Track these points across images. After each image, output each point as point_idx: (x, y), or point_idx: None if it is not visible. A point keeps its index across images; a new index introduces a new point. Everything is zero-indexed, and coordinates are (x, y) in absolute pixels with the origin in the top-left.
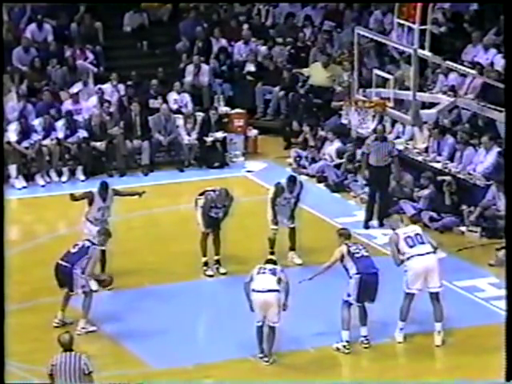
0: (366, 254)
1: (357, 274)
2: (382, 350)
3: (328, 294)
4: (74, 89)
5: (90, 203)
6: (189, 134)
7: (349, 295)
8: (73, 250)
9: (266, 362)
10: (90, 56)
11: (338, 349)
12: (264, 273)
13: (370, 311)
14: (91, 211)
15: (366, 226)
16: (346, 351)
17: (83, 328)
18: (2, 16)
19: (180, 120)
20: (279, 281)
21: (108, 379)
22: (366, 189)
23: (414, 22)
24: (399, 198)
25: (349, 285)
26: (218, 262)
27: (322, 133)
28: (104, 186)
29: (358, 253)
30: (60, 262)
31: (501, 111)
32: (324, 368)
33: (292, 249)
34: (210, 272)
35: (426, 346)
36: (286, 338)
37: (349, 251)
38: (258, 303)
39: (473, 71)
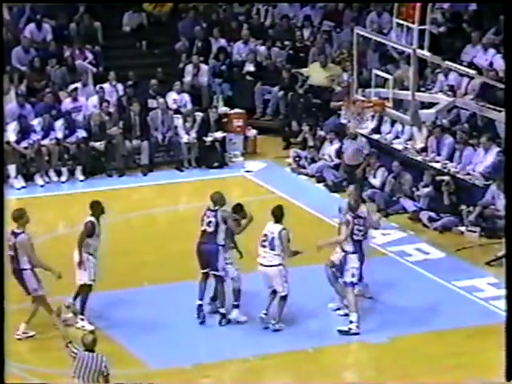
0: (361, 238)
1: (353, 253)
2: (380, 349)
3: (327, 295)
4: (72, 86)
5: (90, 235)
6: (188, 134)
7: (353, 275)
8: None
9: (272, 325)
10: (89, 56)
11: (350, 329)
12: (264, 246)
13: (368, 312)
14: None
15: None
16: (358, 330)
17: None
18: (2, 16)
19: (179, 120)
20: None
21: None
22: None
23: (413, 22)
24: (398, 197)
25: (348, 265)
26: None
27: (321, 133)
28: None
29: (357, 235)
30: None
31: (500, 111)
32: (323, 368)
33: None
34: None
35: (425, 346)
36: (284, 338)
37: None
38: (261, 276)
39: (472, 71)
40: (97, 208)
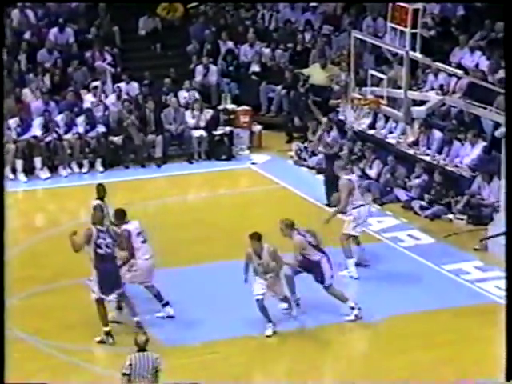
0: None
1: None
2: (376, 327)
3: None
4: (93, 84)
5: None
6: (197, 123)
7: (332, 276)
8: None
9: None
10: (108, 57)
11: (356, 316)
12: None
13: (365, 294)
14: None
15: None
16: (360, 312)
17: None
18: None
19: (189, 114)
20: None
21: (123, 355)
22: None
23: (405, 26)
24: (392, 187)
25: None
26: None
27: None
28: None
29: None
30: None
31: (485, 108)
32: (324, 345)
33: None
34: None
35: (417, 325)
36: (287, 317)
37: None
38: None
39: (460, 71)
40: (101, 190)
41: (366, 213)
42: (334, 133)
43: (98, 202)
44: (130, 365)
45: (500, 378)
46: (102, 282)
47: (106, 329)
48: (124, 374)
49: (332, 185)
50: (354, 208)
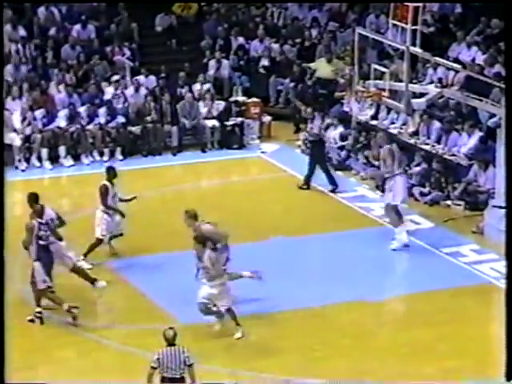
0: None
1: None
2: (378, 307)
3: (331, 261)
4: (114, 78)
5: (107, 193)
6: (209, 112)
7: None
8: None
9: None
10: (127, 52)
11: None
12: None
13: (368, 275)
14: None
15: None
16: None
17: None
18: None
19: (202, 105)
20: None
21: (139, 332)
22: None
23: (406, 23)
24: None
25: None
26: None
27: (327, 120)
28: (111, 172)
29: None
30: None
31: (481, 100)
32: (329, 323)
33: None
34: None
35: (417, 304)
36: (294, 297)
37: None
38: None
39: (457, 66)
40: (110, 173)
41: (401, 181)
42: (318, 121)
43: (105, 182)
44: (158, 359)
45: (495, 366)
46: (48, 271)
47: (76, 311)
48: (152, 368)
49: (314, 170)
50: (388, 178)
